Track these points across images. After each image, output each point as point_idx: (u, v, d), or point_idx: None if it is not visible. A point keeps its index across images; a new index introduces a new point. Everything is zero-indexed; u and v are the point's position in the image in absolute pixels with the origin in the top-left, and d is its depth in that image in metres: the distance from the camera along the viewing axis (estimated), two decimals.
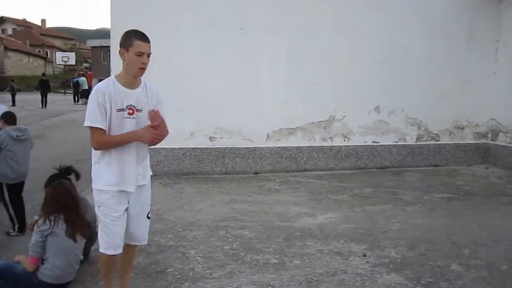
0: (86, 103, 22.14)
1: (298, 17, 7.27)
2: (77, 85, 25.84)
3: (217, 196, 5.91)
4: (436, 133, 8.22)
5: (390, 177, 7.28)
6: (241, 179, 6.96)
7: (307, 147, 7.55)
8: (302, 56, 7.37)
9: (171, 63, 6.65)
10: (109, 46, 6.98)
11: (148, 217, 2.90)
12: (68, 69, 47.48)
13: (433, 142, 8.21)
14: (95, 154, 2.70)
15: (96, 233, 3.89)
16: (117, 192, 2.68)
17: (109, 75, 7.31)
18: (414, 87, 7.88)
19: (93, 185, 2.74)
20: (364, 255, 3.94)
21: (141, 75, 2.68)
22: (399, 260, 3.87)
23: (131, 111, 2.65)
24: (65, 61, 44.47)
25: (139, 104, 2.68)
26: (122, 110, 2.63)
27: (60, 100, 27.54)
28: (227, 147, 7.22)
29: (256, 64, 7.22)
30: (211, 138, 7.18)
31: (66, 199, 3.32)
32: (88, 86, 25.75)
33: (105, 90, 2.60)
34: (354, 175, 7.36)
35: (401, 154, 8.02)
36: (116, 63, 6.56)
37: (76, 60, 46.48)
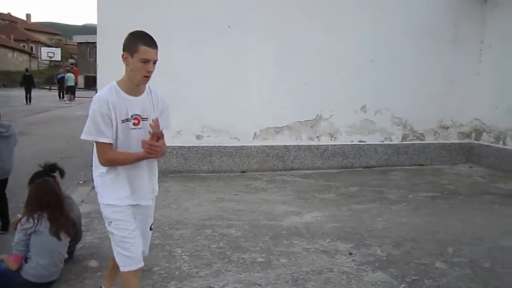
0: (71, 99, 21.89)
1: (287, 17, 7.27)
2: (61, 81, 25.50)
3: (204, 194, 5.90)
4: (421, 132, 8.31)
5: (376, 176, 7.34)
6: (228, 177, 6.95)
7: (294, 146, 7.57)
8: (290, 56, 7.38)
9: (159, 61, 6.62)
10: (95, 42, 6.91)
11: (150, 228, 2.77)
12: (54, 65, 46.88)
13: (418, 141, 8.30)
14: (100, 166, 2.50)
15: (81, 231, 3.87)
16: (129, 206, 2.53)
17: (95, 72, 7.24)
18: (400, 87, 7.95)
19: (100, 200, 2.54)
20: (350, 254, 3.97)
21: (146, 84, 2.48)
22: (384, 258, 3.90)
23: (136, 121, 2.45)
24: (51, 57, 43.92)
25: (144, 113, 2.48)
26: (127, 120, 2.43)
27: (45, 96, 27.19)
28: (214, 146, 7.20)
29: (244, 63, 7.22)
30: (198, 137, 7.16)
31: (50, 197, 3.28)
32: (75, 83, 25.42)
33: (108, 99, 2.38)
34: (340, 174, 7.40)
35: (387, 153, 8.09)
36: (103, 60, 6.54)
37: (61, 56, 45.94)
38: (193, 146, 7.11)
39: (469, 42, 8.30)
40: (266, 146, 7.44)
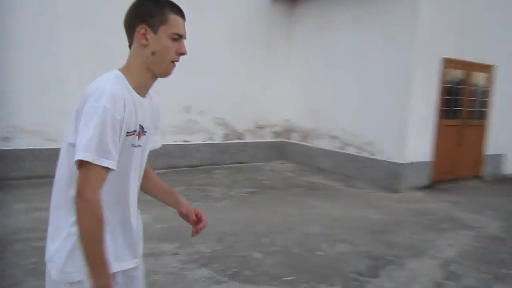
0: None
1: (103, 15, 6.98)
2: None
3: (14, 205, 5.28)
4: (241, 132, 8.92)
5: (200, 175, 7.62)
6: (47, 184, 6.34)
7: None
8: (108, 53, 7.08)
9: None
10: None
11: None
12: None
13: (238, 140, 8.89)
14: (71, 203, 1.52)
15: None
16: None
17: None
18: (222, 89, 8.39)
19: (57, 274, 1.58)
20: (176, 254, 4.07)
21: (170, 74, 1.67)
22: (208, 254, 4.11)
23: (139, 136, 1.62)
24: None
25: (145, 122, 1.65)
26: (133, 133, 1.57)
27: None
28: (26, 149, 6.48)
29: (61, 58, 6.67)
30: (5, 139, 6.36)
31: None
32: None
33: (125, 97, 1.51)
34: (166, 174, 7.45)
35: (210, 152, 8.45)
36: None
37: None
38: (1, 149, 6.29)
39: (280, 49, 9.22)
40: None
